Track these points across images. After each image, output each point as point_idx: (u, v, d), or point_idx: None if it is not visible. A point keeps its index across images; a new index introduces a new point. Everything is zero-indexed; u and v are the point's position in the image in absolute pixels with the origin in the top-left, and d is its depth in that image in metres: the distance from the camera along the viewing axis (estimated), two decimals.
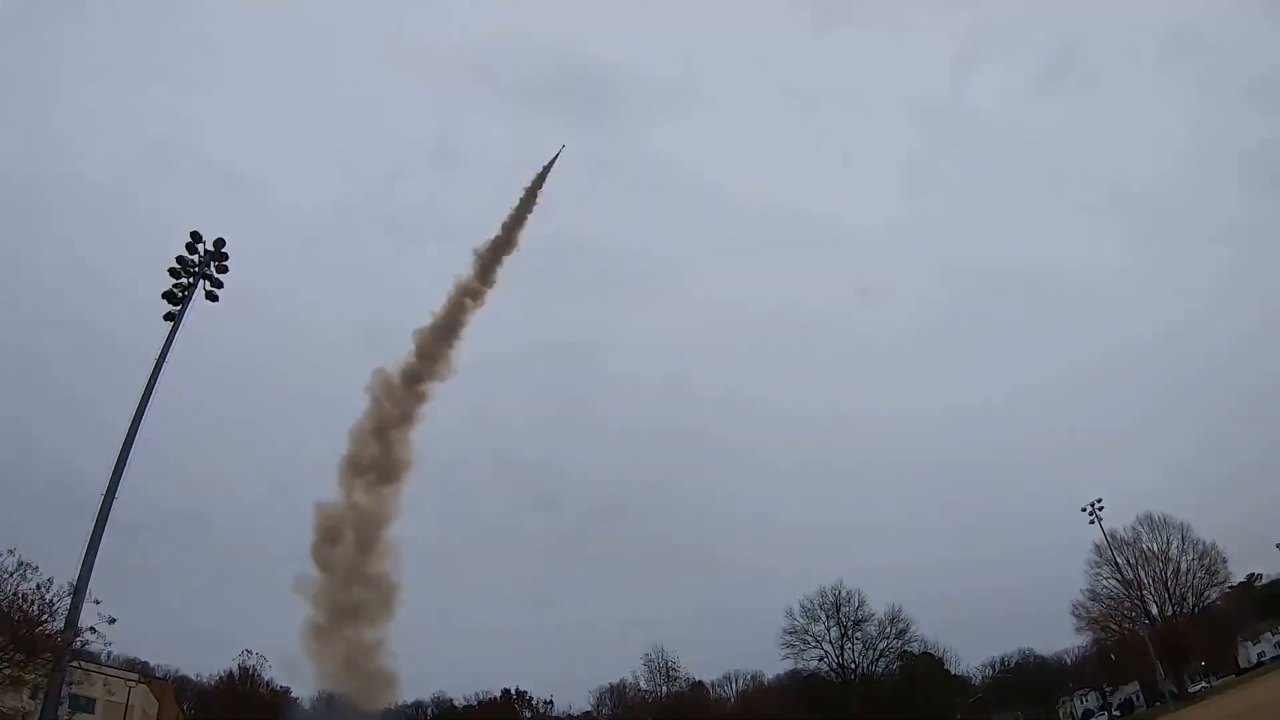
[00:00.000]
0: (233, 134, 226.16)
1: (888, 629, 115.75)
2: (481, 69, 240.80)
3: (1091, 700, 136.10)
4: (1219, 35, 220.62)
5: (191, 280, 45.54)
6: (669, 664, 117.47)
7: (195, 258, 45.64)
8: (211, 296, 46.25)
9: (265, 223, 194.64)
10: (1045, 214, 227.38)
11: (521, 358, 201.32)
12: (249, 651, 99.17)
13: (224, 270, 46.05)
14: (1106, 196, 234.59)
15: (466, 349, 74.88)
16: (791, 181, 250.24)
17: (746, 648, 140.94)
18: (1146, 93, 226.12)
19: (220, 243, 45.83)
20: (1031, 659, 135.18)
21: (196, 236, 45.64)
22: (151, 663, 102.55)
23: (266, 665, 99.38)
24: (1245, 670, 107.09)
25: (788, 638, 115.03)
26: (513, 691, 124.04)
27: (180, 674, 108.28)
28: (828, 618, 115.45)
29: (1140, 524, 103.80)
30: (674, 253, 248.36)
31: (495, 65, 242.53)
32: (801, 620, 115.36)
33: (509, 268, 75.51)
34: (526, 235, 75.03)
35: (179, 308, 45.04)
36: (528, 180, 75.05)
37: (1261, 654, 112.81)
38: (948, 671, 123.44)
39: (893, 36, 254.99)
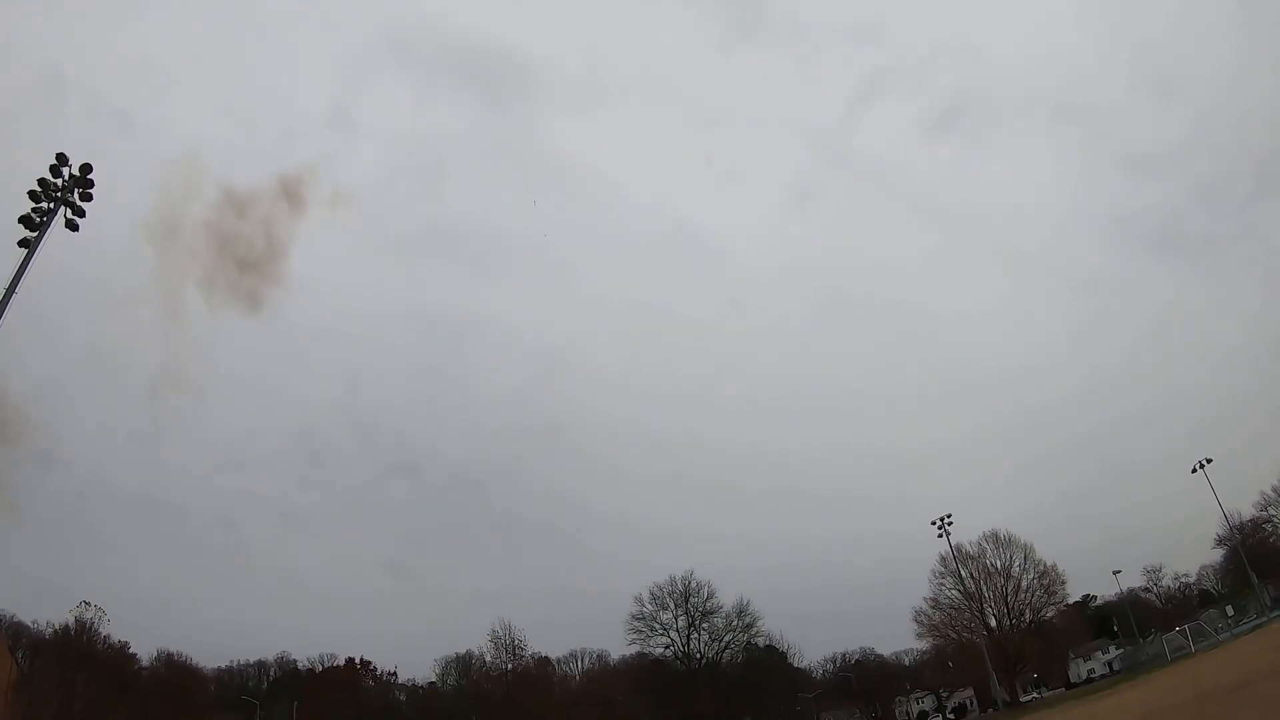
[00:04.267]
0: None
1: (735, 622, 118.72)
2: (392, 40, 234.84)
3: (928, 703, 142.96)
4: (1103, 109, 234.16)
5: (52, 206, 42.76)
6: (515, 640, 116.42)
7: (59, 182, 42.91)
8: (72, 225, 43.62)
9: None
10: (917, 249, 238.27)
11: (395, 325, 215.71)
12: (86, 603, 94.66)
13: (88, 199, 43.41)
14: (979, 239, 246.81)
15: (337, 315, 72.85)
16: (680, 190, 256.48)
17: (593, 628, 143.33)
18: (1030, 151, 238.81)
19: (86, 168, 43.62)
20: (872, 658, 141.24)
21: (62, 159, 43.02)
22: None
23: (105, 619, 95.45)
24: (1074, 685, 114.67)
25: (636, 623, 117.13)
26: (357, 661, 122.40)
27: (15, 620, 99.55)
28: (676, 606, 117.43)
29: (986, 540, 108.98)
30: (562, 243, 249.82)
31: (404, 38, 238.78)
32: (651, 607, 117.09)
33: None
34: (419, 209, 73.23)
35: (35, 234, 42.30)
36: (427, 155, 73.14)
37: (1091, 671, 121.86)
38: (791, 665, 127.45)
39: (796, 65, 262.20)
